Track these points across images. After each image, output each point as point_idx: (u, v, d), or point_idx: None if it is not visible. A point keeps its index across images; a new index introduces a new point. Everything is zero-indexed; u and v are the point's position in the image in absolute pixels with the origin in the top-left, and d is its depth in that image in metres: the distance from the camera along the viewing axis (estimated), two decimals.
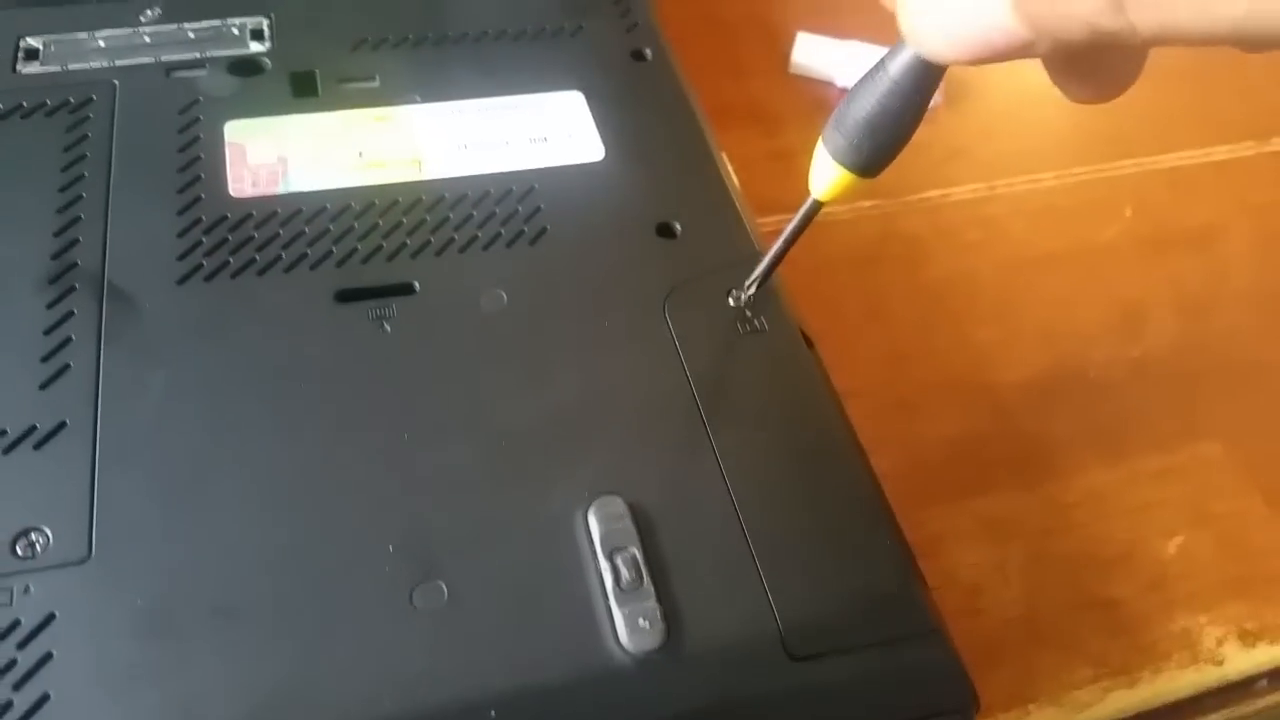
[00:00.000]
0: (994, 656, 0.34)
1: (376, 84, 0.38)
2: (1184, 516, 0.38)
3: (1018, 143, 0.50)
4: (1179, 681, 0.34)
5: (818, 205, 0.28)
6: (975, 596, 0.35)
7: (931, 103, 0.24)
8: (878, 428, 0.32)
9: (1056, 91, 0.24)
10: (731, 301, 0.32)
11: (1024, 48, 0.19)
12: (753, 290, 0.32)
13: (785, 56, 0.52)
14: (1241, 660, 0.35)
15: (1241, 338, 0.44)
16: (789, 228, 0.29)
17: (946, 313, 0.43)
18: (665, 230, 0.34)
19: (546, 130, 0.36)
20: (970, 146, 0.50)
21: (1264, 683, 0.35)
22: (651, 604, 0.26)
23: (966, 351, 0.42)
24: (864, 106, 0.25)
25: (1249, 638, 0.35)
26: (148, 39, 0.38)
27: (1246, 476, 0.39)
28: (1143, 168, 0.50)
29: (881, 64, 0.24)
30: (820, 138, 0.26)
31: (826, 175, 0.26)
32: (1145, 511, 0.38)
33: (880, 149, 0.25)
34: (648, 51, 0.40)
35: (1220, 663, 0.35)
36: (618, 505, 0.27)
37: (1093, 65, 0.23)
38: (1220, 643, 0.35)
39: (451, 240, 0.33)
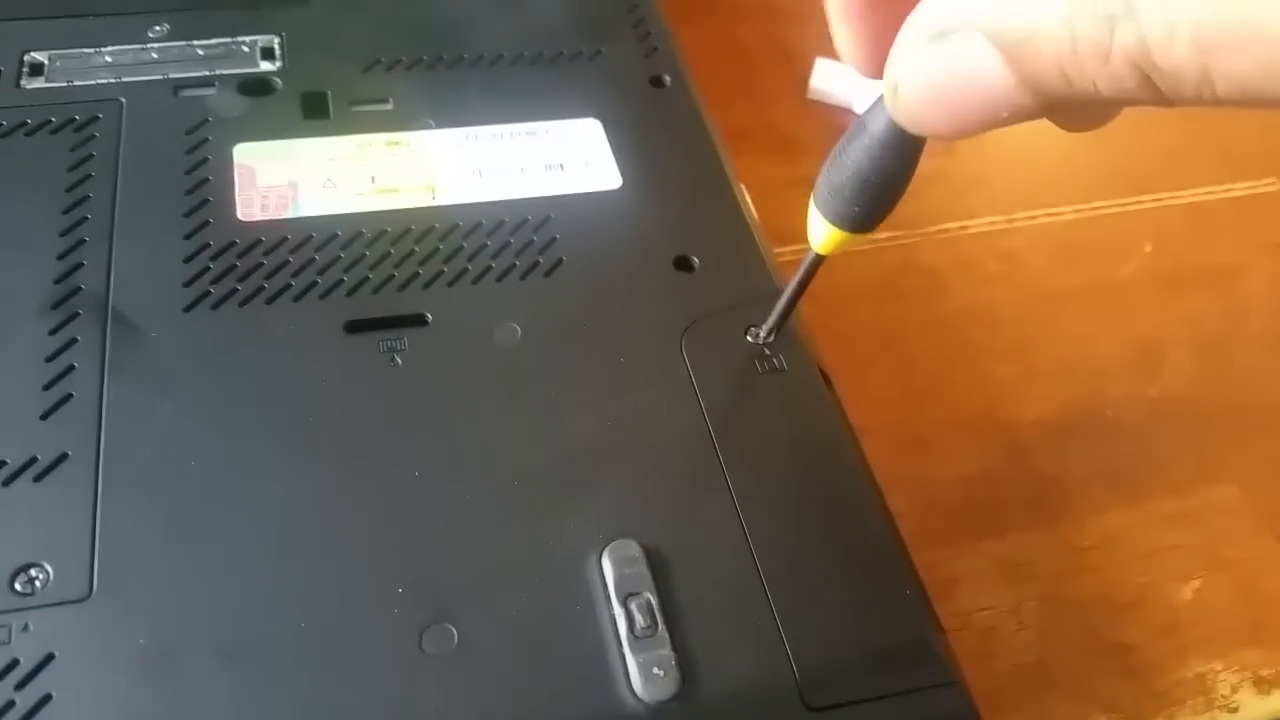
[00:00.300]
0: (1007, 702, 0.33)
1: (389, 106, 0.37)
2: (1199, 561, 0.37)
3: (1036, 174, 0.50)
4: None
5: (819, 258, 0.27)
6: (989, 640, 0.35)
7: None
8: (892, 466, 0.31)
9: None
10: (750, 338, 0.31)
11: (1031, 115, 0.18)
12: (772, 338, 0.31)
13: (804, 82, 0.52)
14: (1256, 707, 0.34)
15: (1259, 379, 0.43)
16: (796, 278, 0.29)
17: (964, 347, 0.43)
18: (683, 264, 0.33)
19: (563, 157, 0.36)
20: (989, 177, 0.49)
21: None
22: (666, 652, 0.25)
23: (984, 388, 0.41)
24: (850, 168, 0.23)
25: (1264, 685, 0.35)
26: (156, 56, 0.37)
27: (1262, 521, 0.38)
28: (1162, 203, 0.49)
29: (864, 124, 0.23)
30: (811, 195, 0.25)
31: (821, 232, 0.25)
32: (1160, 555, 0.37)
33: (874, 209, 0.24)
34: (667, 78, 0.39)
35: (1235, 710, 0.34)
36: (632, 549, 0.27)
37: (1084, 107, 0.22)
38: (1235, 689, 0.34)
39: (465, 270, 0.32)
